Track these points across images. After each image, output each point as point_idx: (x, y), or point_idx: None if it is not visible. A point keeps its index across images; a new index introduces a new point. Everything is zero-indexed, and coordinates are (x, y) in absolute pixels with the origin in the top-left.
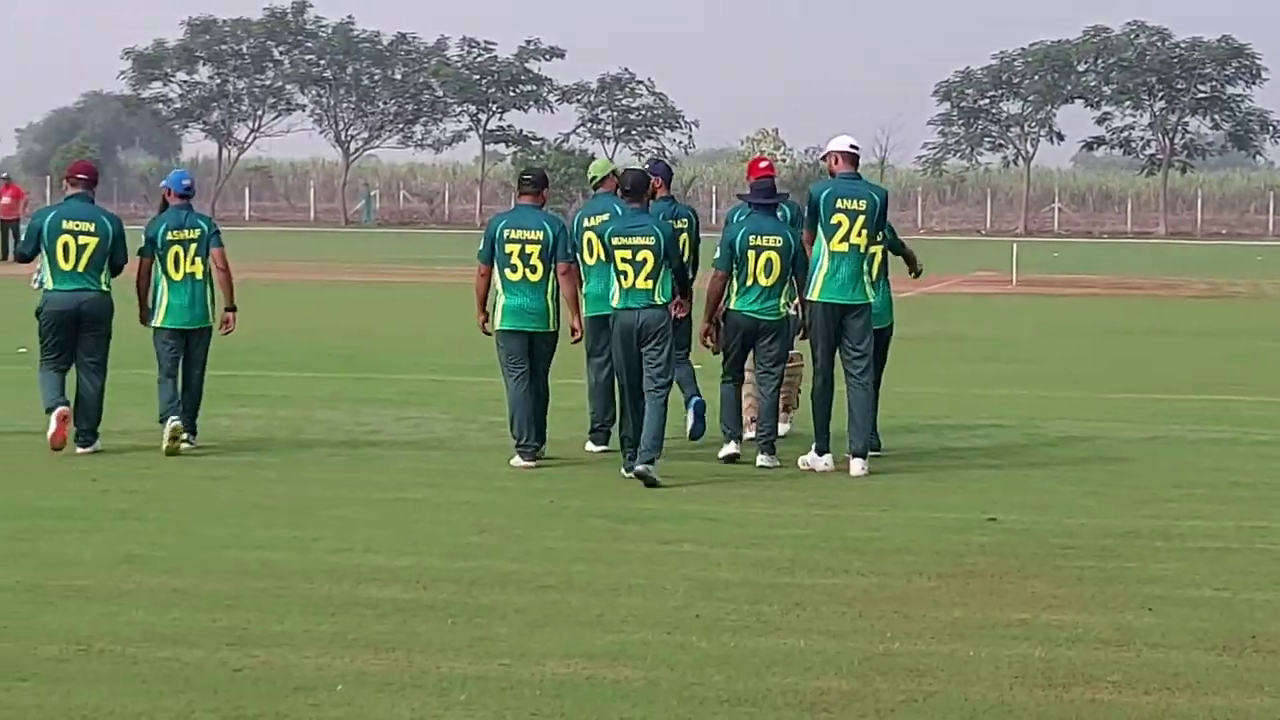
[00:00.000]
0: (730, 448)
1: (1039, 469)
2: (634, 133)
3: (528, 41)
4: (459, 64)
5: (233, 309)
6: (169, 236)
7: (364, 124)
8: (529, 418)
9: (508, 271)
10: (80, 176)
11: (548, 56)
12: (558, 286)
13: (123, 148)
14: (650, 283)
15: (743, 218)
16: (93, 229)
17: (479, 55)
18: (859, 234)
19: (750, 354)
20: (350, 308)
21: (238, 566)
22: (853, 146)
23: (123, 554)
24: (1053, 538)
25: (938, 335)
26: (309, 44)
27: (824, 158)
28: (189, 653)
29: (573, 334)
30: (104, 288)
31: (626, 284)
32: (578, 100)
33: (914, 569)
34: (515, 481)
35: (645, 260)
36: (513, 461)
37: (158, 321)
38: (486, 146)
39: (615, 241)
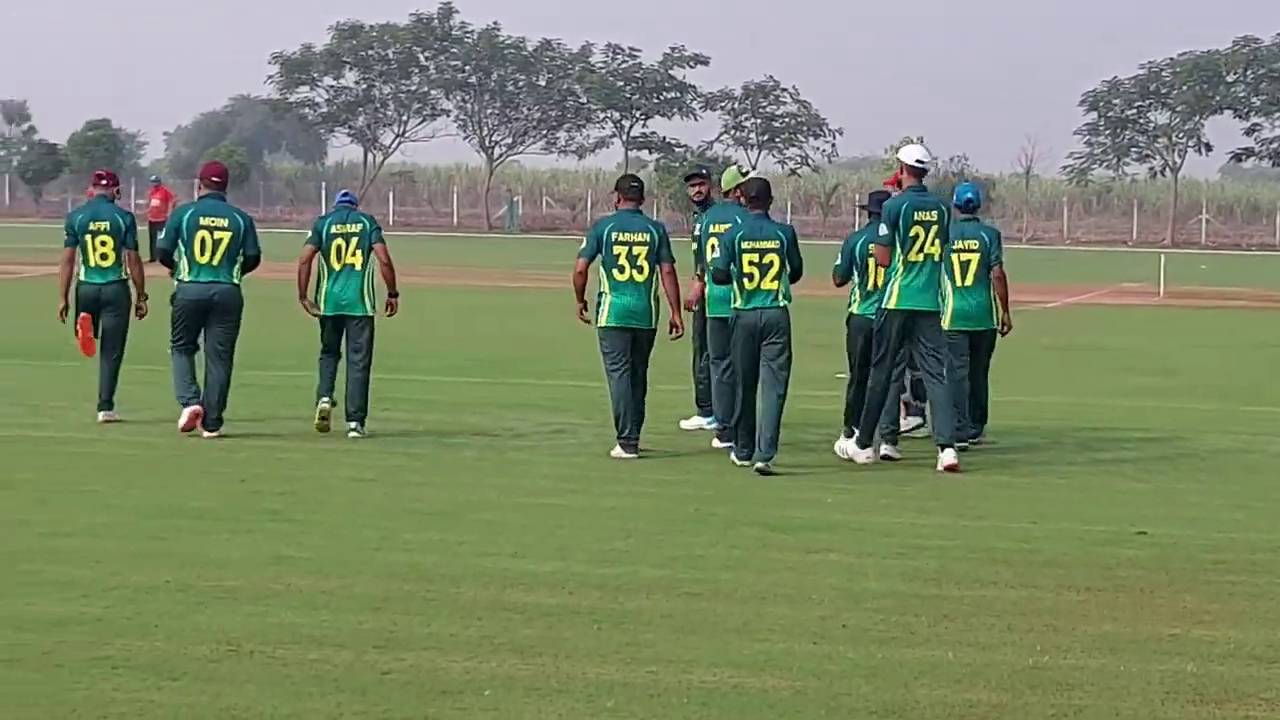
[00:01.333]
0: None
1: (1188, 482)
2: (777, 140)
3: (672, 49)
4: (603, 70)
5: (395, 294)
6: (333, 230)
7: (508, 130)
8: (631, 410)
9: (615, 272)
10: (214, 179)
11: (692, 64)
12: (658, 286)
13: (269, 151)
14: (775, 284)
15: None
16: (226, 224)
17: (623, 62)
18: (932, 244)
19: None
20: (493, 313)
21: (386, 569)
22: (919, 161)
23: (272, 555)
24: (1203, 552)
25: (1084, 346)
26: (454, 50)
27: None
28: (337, 654)
29: (673, 330)
30: (235, 281)
31: (751, 285)
32: (721, 107)
33: (1063, 582)
34: (660, 487)
35: (771, 263)
36: (614, 453)
37: (321, 309)
38: (629, 153)
39: (744, 245)
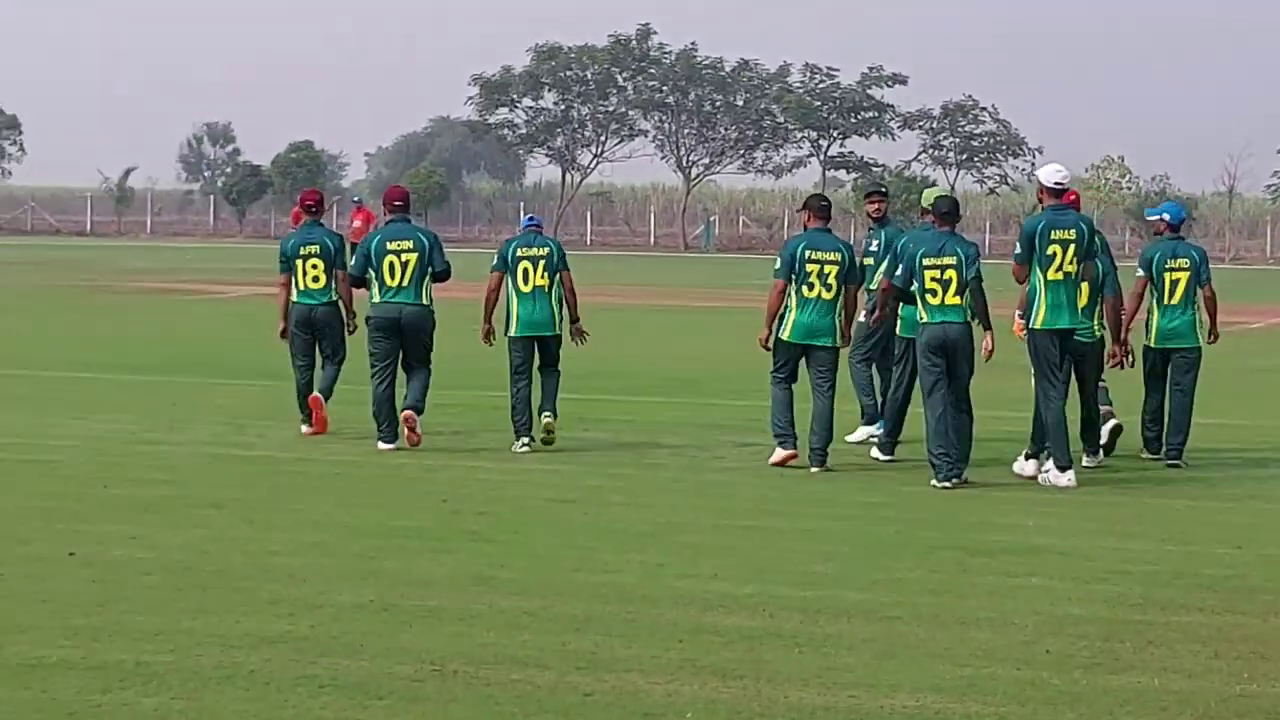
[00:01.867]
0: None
1: None
2: (976, 160)
3: (870, 68)
4: (801, 90)
5: (577, 320)
6: (519, 253)
7: (705, 149)
8: (791, 419)
9: (804, 289)
10: (396, 203)
11: (890, 83)
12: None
13: (468, 172)
14: (958, 299)
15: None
16: (411, 245)
17: (821, 82)
18: (1071, 262)
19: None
20: (690, 333)
21: (587, 590)
22: (1057, 183)
23: (474, 574)
24: None
25: None
26: (652, 70)
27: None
28: (540, 675)
29: (845, 341)
30: (424, 301)
31: (935, 301)
32: (919, 126)
33: (1271, 608)
34: (861, 509)
35: (950, 279)
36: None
37: (510, 331)
38: (827, 173)
39: (926, 262)
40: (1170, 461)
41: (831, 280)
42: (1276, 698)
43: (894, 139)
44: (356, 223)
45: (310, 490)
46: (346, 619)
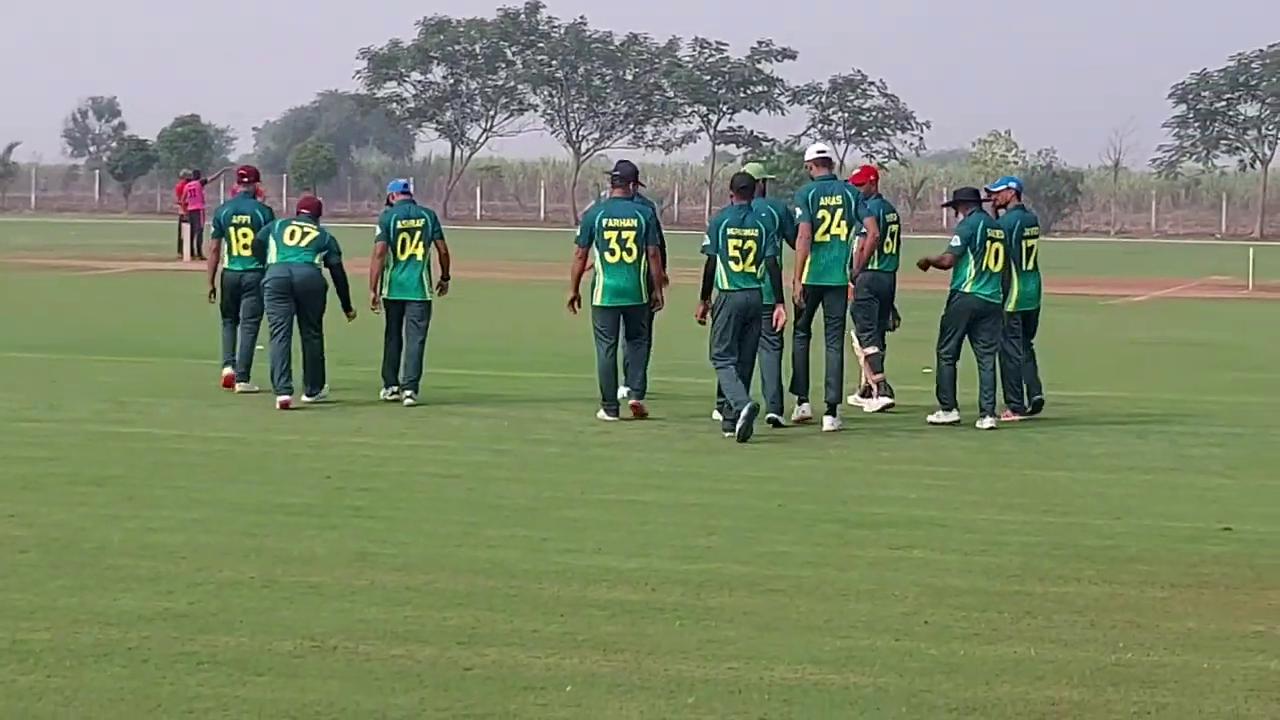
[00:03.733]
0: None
1: (1275, 479)
2: (865, 134)
3: (760, 43)
4: (690, 65)
5: (446, 278)
6: (399, 225)
7: (595, 124)
8: (614, 380)
9: (607, 255)
10: (304, 210)
11: (779, 58)
12: (649, 267)
13: (356, 146)
14: (754, 268)
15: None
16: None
17: (711, 56)
18: (839, 225)
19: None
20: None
21: (469, 565)
22: (819, 153)
23: (356, 551)
24: None
25: (1171, 341)
26: (541, 44)
27: (805, 164)
28: (420, 650)
29: (656, 304)
30: (315, 262)
31: (737, 268)
32: (809, 101)
33: (1147, 578)
34: (745, 484)
35: (750, 249)
36: (599, 414)
37: (385, 294)
38: (717, 147)
39: (730, 233)
40: (1035, 410)
41: (631, 244)
42: (1151, 666)
43: (783, 113)
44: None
45: (192, 467)
46: (226, 595)
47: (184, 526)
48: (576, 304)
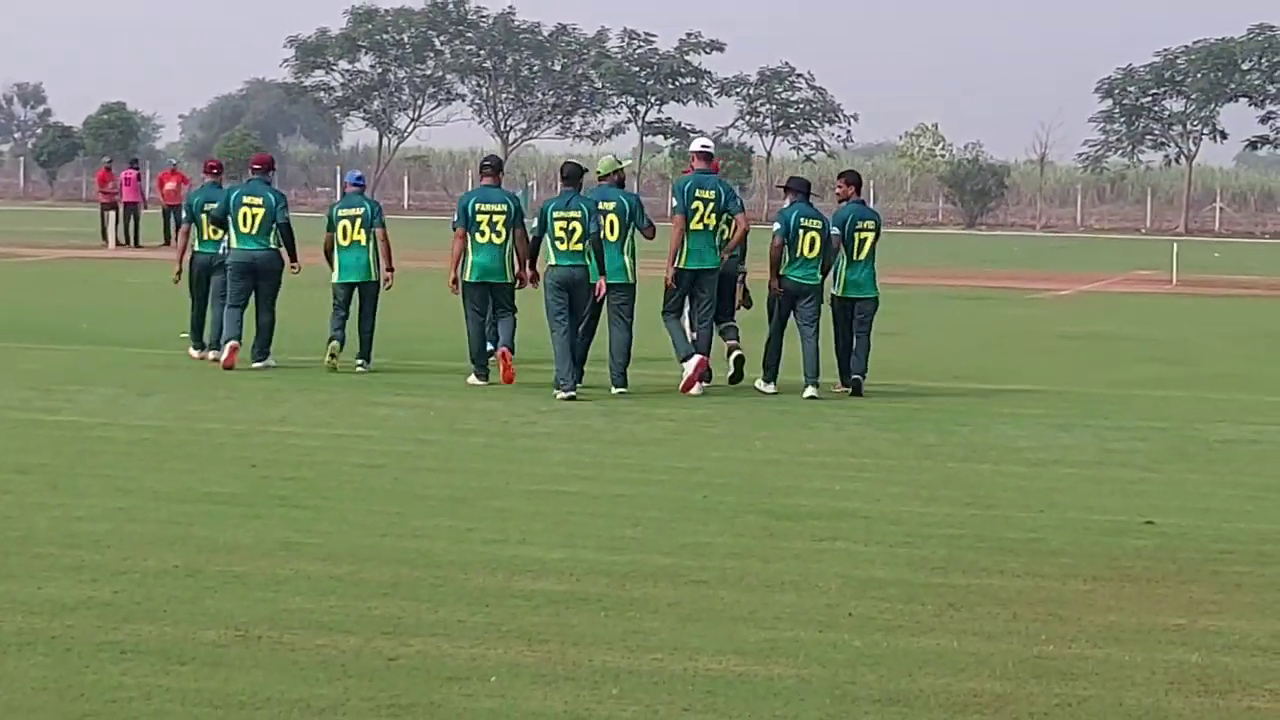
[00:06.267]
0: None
1: (1198, 473)
2: (792, 126)
3: (688, 34)
4: (619, 56)
5: (391, 270)
6: (341, 214)
7: (523, 114)
8: (483, 348)
9: (477, 235)
10: (256, 166)
11: (708, 50)
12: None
13: (284, 135)
14: (579, 246)
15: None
16: (260, 202)
17: (639, 47)
18: (710, 215)
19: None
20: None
21: (394, 555)
22: (704, 146)
23: (281, 540)
24: (1211, 543)
25: (1096, 335)
26: (470, 34)
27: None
28: (345, 640)
29: (520, 283)
30: (272, 246)
31: (563, 247)
32: (737, 93)
33: (1070, 571)
34: (670, 475)
35: (575, 230)
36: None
37: (334, 278)
38: (645, 138)
39: (556, 215)
40: (855, 391)
41: (500, 227)
42: (1072, 658)
43: (711, 105)
44: (169, 185)
45: (118, 455)
46: (150, 584)
47: (109, 515)
48: (456, 285)
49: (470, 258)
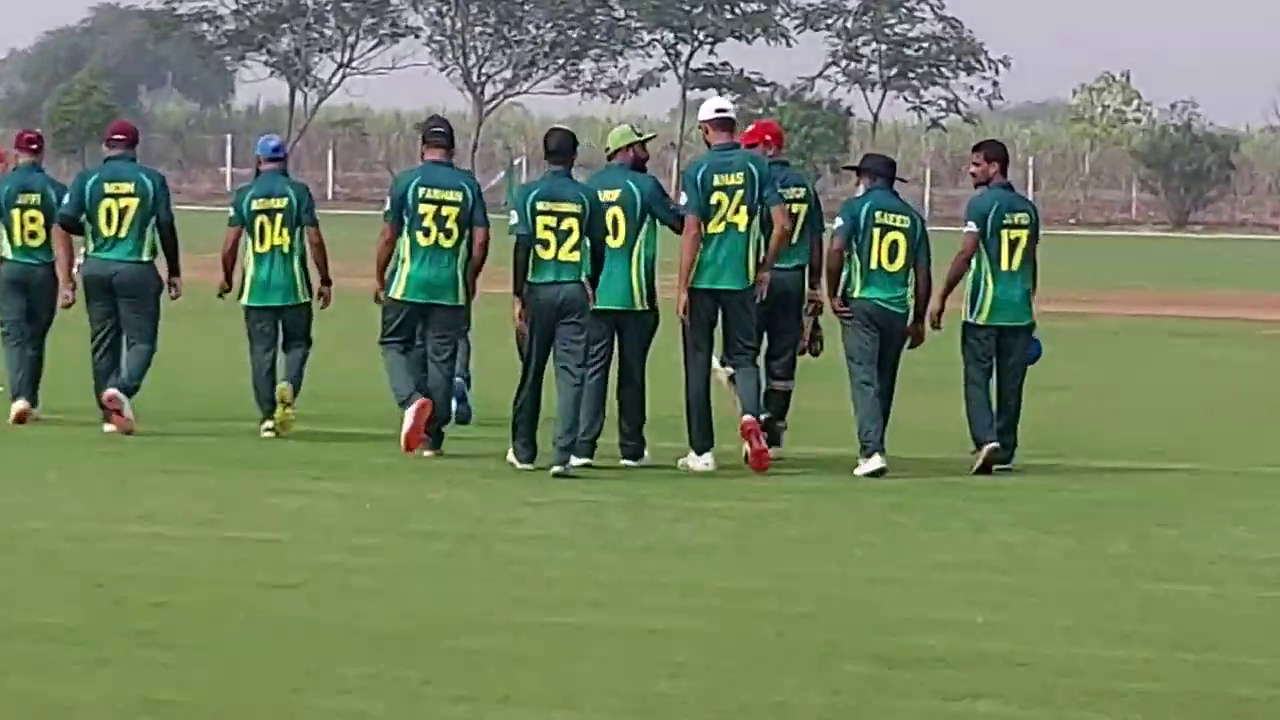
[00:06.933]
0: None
1: None
2: (911, 76)
3: None
4: None
5: (327, 283)
6: (255, 206)
7: (506, 58)
8: (407, 383)
9: (419, 235)
10: (117, 137)
11: None
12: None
13: (148, 88)
14: (576, 255)
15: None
16: (132, 189)
17: None
18: (737, 212)
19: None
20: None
21: None
22: (719, 112)
23: (141, 698)
24: None
25: None
26: None
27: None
28: None
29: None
30: (144, 257)
31: (547, 255)
32: (827, 26)
33: None
34: (726, 600)
35: (571, 229)
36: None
37: (245, 299)
38: (689, 93)
39: (540, 207)
40: (984, 470)
41: (452, 224)
42: None
43: (789, 43)
44: None
45: None
46: None
47: None
48: (379, 295)
49: (405, 266)
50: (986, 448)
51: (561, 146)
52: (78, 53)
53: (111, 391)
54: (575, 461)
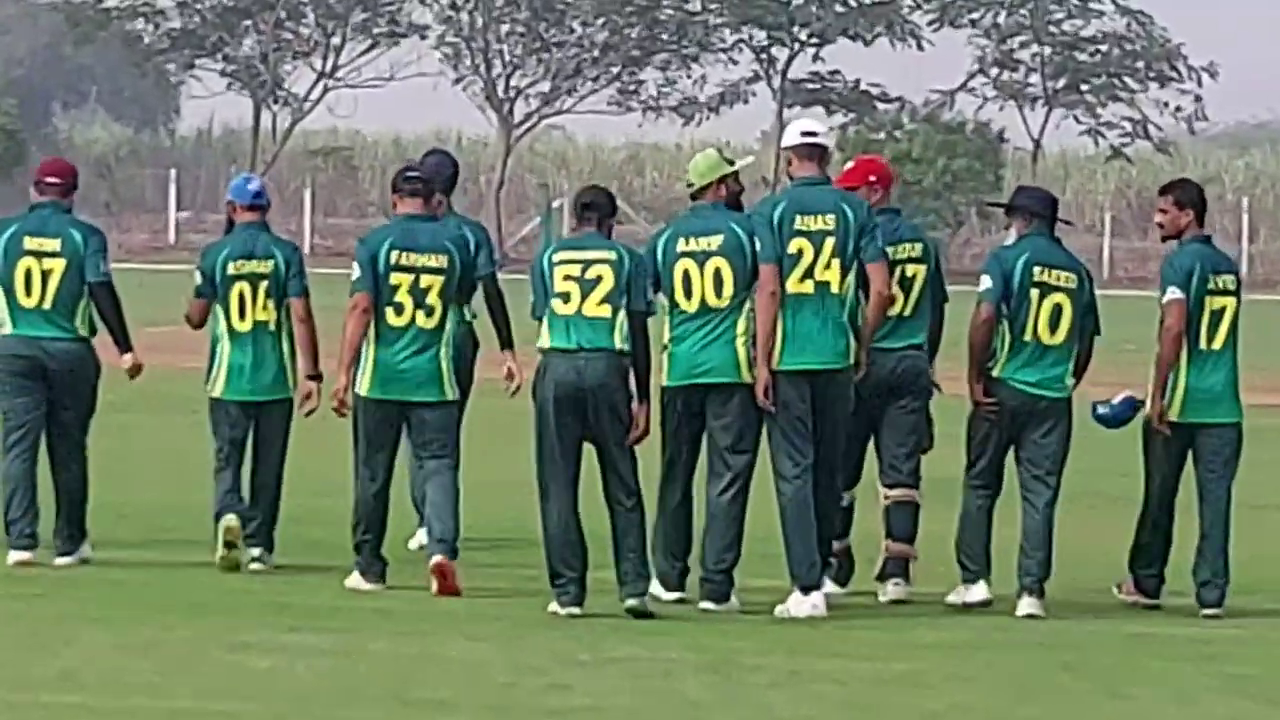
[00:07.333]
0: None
1: None
2: (1084, 89)
3: None
4: None
5: (316, 377)
6: (230, 270)
7: (542, 65)
8: (377, 528)
9: (390, 312)
10: (50, 180)
11: None
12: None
13: (65, 106)
14: (606, 308)
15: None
16: (58, 247)
17: None
18: (827, 267)
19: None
20: (496, 434)
21: None
22: (806, 135)
23: None
24: None
25: None
26: None
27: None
28: None
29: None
30: (81, 331)
31: (567, 309)
32: (972, 23)
33: None
34: None
35: (600, 278)
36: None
37: (215, 390)
38: (785, 109)
39: (558, 258)
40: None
41: (434, 297)
42: None
43: (920, 46)
44: None
45: None
46: None
47: None
48: (344, 402)
49: (373, 350)
50: (1202, 587)
51: (597, 204)
52: None
53: (22, 556)
54: (664, 594)
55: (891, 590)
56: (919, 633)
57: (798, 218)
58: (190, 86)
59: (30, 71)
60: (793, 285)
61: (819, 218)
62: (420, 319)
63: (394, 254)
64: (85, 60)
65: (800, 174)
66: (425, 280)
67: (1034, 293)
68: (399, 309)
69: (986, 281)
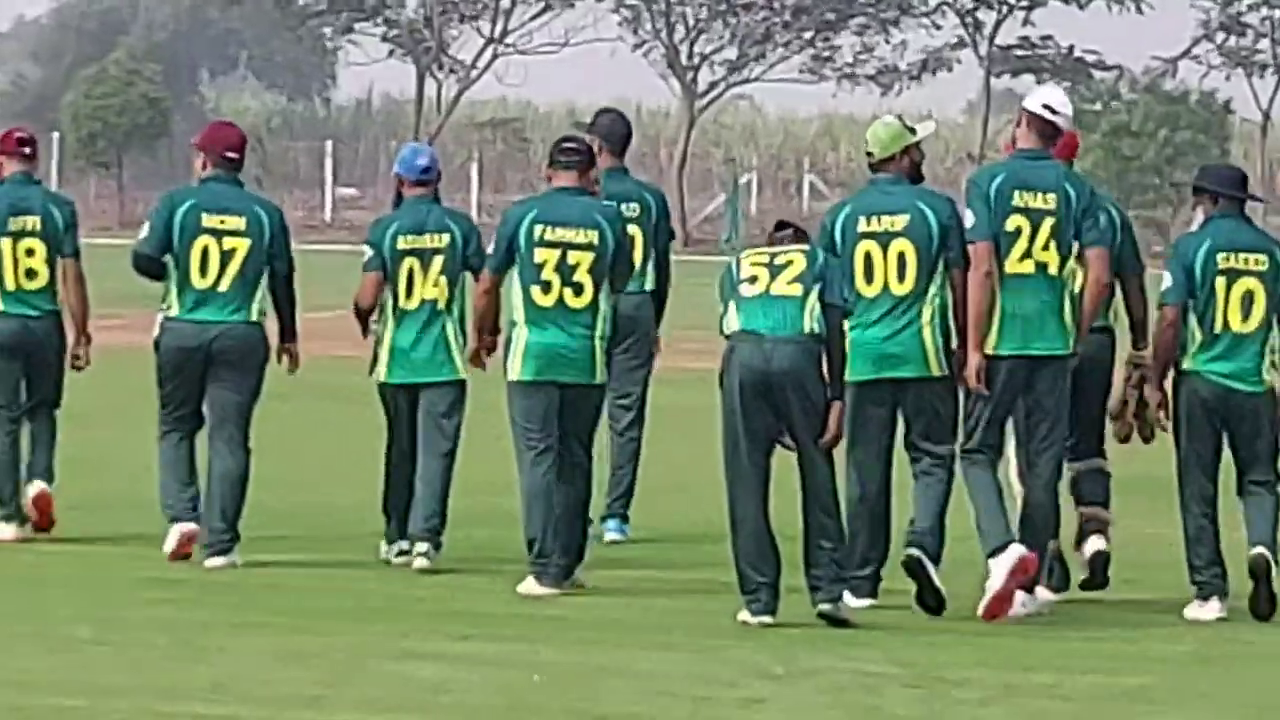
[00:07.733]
0: None
1: None
2: None
3: None
4: None
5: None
6: (400, 245)
7: (728, 30)
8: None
9: (536, 291)
10: (229, 154)
11: None
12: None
13: (213, 74)
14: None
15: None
16: (244, 225)
17: None
18: (1046, 248)
19: None
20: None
21: None
22: (1048, 107)
23: None
24: None
25: None
26: None
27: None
28: None
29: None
30: (253, 316)
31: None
32: None
33: None
34: None
35: (790, 263)
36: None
37: (379, 375)
38: (993, 79)
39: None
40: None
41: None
42: None
43: (1139, 8)
44: None
45: None
46: None
47: None
48: (485, 357)
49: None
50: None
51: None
52: (112, 25)
53: (190, 528)
54: (854, 602)
55: (1093, 543)
56: (1149, 645)
57: (1016, 193)
58: (348, 52)
59: (175, 36)
60: (1011, 265)
61: (1040, 195)
62: (569, 297)
63: (538, 229)
64: (234, 24)
65: (1025, 145)
66: (573, 257)
67: (1220, 280)
68: (546, 287)
69: (1167, 280)
